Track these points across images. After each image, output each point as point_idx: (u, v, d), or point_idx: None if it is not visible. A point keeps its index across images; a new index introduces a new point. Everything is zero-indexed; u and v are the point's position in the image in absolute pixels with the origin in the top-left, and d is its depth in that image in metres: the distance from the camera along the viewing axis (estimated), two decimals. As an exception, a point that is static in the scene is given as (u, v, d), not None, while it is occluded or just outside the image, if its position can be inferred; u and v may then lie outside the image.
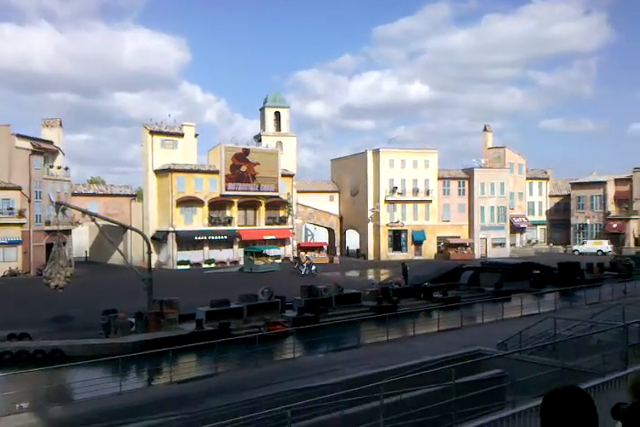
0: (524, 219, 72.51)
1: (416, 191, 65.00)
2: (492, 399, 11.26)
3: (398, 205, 64.88)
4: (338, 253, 66.16)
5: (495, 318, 27.16)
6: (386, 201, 64.30)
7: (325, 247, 63.27)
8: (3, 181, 50.71)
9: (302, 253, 55.29)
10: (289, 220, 63.59)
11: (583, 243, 68.69)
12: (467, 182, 66.87)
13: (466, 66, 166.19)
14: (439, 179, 66.14)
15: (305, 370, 18.36)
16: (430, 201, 65.56)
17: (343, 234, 70.37)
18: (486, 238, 66.46)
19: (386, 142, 71.73)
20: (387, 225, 64.51)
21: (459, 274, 41.04)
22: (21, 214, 50.18)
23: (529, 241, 73.75)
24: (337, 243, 68.87)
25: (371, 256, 64.81)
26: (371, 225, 65.22)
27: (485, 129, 75.79)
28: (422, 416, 10.17)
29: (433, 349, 18.09)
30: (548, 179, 77.78)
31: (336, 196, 71.12)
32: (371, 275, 51.50)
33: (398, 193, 64.56)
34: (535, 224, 75.01)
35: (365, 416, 10.61)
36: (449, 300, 33.30)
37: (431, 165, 65.86)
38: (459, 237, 65.77)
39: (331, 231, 69.80)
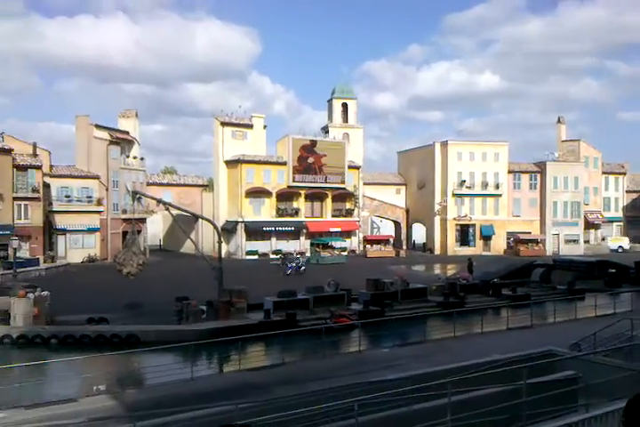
0: (599, 215, 69.79)
1: (485, 185, 63.70)
2: (565, 402, 11.02)
3: (466, 199, 63.79)
4: (404, 247, 65.74)
5: (568, 317, 26.36)
6: (453, 194, 63.33)
7: (391, 241, 62.99)
8: (82, 169, 53.08)
9: (294, 250, 51.12)
10: (355, 212, 63.64)
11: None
12: (539, 176, 64.97)
13: (539, 55, 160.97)
14: (509, 172, 64.54)
15: (371, 364, 18.44)
16: (500, 195, 64.11)
17: (409, 227, 69.83)
18: (559, 235, 64.47)
19: (454, 134, 70.89)
20: (454, 219, 63.58)
21: (529, 271, 39.98)
22: (99, 203, 52.42)
23: (603, 238, 71.00)
24: (403, 236, 68.43)
25: (437, 250, 64.10)
26: (438, 219, 64.44)
27: (559, 121, 73.21)
28: (490, 416, 10.07)
29: (502, 347, 17.78)
30: (624, 173, 74.39)
31: (403, 188, 70.57)
32: (437, 270, 50.97)
33: (466, 186, 63.47)
34: (611, 221, 72.04)
35: (432, 413, 10.59)
36: (519, 297, 32.54)
37: (501, 158, 64.31)
38: (529, 232, 64.07)
39: (397, 224, 69.39)
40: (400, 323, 25.04)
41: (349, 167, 62.48)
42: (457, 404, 10.31)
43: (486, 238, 64.05)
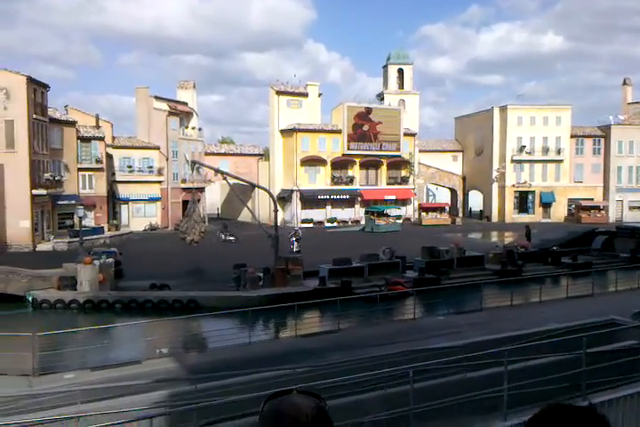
0: (667, 180, 66.72)
1: (546, 150, 61.68)
2: (626, 372, 10.76)
3: (526, 165, 62.03)
4: (460, 215, 64.84)
5: (630, 286, 25.61)
6: (512, 160, 61.69)
7: (447, 208, 62.17)
8: (143, 140, 54.31)
9: (296, 228, 42.23)
10: (410, 180, 62.96)
11: None
12: (603, 141, 62.39)
13: (604, 14, 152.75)
14: (572, 137, 62.18)
15: (425, 331, 18.48)
16: (561, 161, 62.02)
17: (466, 195, 68.66)
18: (622, 201, 62.10)
19: (514, 98, 68.21)
20: (513, 186, 62.06)
21: (591, 239, 38.87)
22: (160, 173, 53.69)
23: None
24: (459, 204, 67.42)
25: (495, 218, 62.92)
26: (495, 186, 63.06)
27: (625, 83, 69.63)
28: (548, 385, 9.95)
29: (561, 316, 17.49)
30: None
31: (459, 155, 69.20)
32: (494, 237, 50.15)
33: (526, 152, 61.65)
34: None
35: (488, 382, 10.54)
36: (579, 266, 31.76)
37: (563, 122, 61.96)
38: (592, 199, 61.97)
39: (453, 192, 68.38)
40: (455, 291, 24.91)
41: (405, 134, 61.58)
42: (513, 372, 10.22)
43: (546, 206, 62.36)
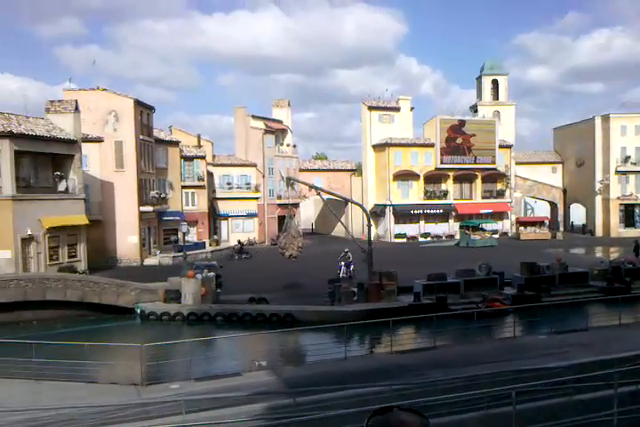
0: None
1: (654, 161, 58.17)
2: None
3: (631, 177, 58.80)
4: (561, 229, 62.24)
5: None
6: (617, 172, 58.64)
7: (547, 222, 59.88)
8: (241, 158, 56.34)
9: (346, 249, 34.33)
10: (507, 193, 61.28)
11: None
12: None
13: None
14: (683, 146, 58.31)
15: (526, 351, 17.88)
16: (672, 171, 58.26)
17: (567, 208, 65.84)
18: None
19: (617, 107, 65.05)
20: (617, 198, 58.91)
21: None
22: (257, 189, 55.48)
23: None
24: (560, 218, 64.73)
25: (599, 233, 59.90)
26: (599, 198, 60.09)
27: None
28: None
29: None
30: None
31: (559, 167, 66.56)
32: (599, 253, 47.71)
33: (632, 163, 58.46)
34: None
35: (596, 405, 10.11)
36: (695, 284, 29.62)
37: (674, 131, 58.29)
38: None
39: (553, 205, 65.78)
40: (558, 309, 23.91)
41: (500, 146, 60.12)
42: (625, 396, 9.74)
43: (656, 219, 58.69)
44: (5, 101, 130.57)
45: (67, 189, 34.50)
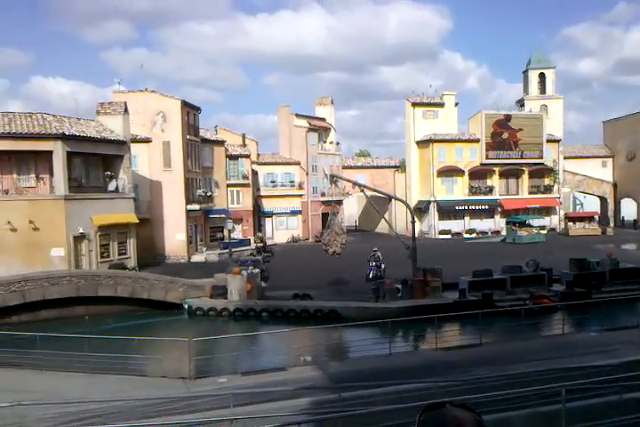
0: None
1: None
2: None
3: (688, 170, 56.72)
4: (611, 224, 60.55)
5: None
6: (672, 165, 56.68)
7: (596, 218, 58.33)
8: (285, 156, 56.80)
9: (375, 249, 32.59)
10: (555, 188, 59.97)
11: None
12: None
13: None
14: None
15: (575, 348, 17.55)
16: None
17: (617, 203, 63.99)
18: None
19: (673, 98, 62.68)
20: (673, 193, 56.96)
21: None
22: (301, 187, 55.85)
23: None
24: (610, 213, 62.98)
25: (652, 228, 58.02)
26: (652, 193, 58.20)
27: None
28: None
29: None
30: None
31: (609, 161, 64.75)
32: (652, 248, 46.23)
33: (688, 156, 56.41)
34: None
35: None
36: None
37: None
38: None
39: (603, 200, 64.04)
40: (609, 306, 23.34)
41: (548, 141, 58.83)
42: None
43: None
44: (58, 104, 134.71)
45: (117, 188, 35.41)
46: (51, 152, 31.31)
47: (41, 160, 32.12)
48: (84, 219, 32.07)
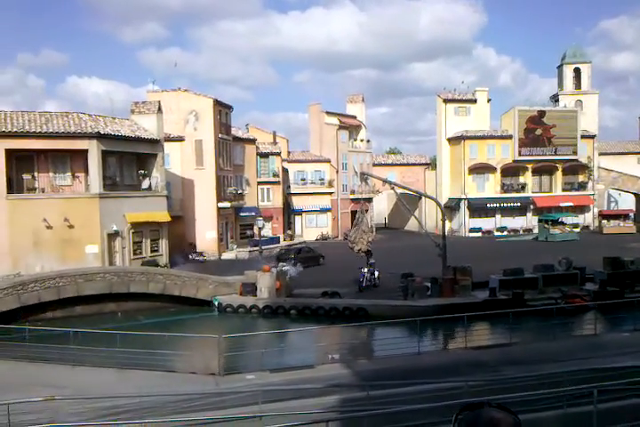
0: None
1: None
2: None
3: None
4: (648, 222, 59.15)
5: None
6: None
7: (632, 215, 57.07)
8: (315, 154, 56.90)
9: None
10: (589, 185, 58.87)
11: None
12: None
13: None
14: None
15: (609, 348, 17.26)
16: None
17: (655, 200, 62.49)
18: None
19: None
20: None
21: None
22: (331, 184, 55.94)
23: None
24: (647, 210, 61.53)
25: (691, 226, 56.52)
26: (691, 190, 56.74)
27: None
28: None
29: None
30: None
31: (647, 157, 63.23)
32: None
33: None
34: None
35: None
36: None
37: None
38: None
39: (638, 198, 62.58)
40: (643, 306, 22.84)
41: (582, 137, 57.74)
42: None
43: None
44: (93, 104, 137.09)
45: (150, 186, 35.93)
46: (86, 151, 31.93)
47: (76, 159, 32.78)
48: (118, 216, 32.62)
